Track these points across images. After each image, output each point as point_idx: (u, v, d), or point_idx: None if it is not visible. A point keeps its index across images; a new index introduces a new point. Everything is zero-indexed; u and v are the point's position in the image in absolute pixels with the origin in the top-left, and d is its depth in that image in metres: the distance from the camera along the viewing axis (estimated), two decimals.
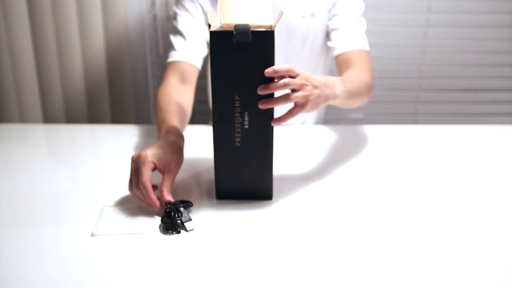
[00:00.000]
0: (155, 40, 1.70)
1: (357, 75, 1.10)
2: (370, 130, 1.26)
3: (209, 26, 0.80)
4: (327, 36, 1.27)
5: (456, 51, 1.75)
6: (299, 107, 0.84)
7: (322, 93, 0.86)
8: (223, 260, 0.70)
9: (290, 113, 0.84)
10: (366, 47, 1.23)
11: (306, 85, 0.82)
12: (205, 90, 1.52)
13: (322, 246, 0.74)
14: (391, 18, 1.69)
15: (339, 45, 1.21)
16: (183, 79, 1.14)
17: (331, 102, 0.93)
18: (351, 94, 1.00)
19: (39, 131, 1.27)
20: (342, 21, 1.22)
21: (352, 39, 1.21)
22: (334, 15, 1.23)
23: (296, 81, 0.81)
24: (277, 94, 0.81)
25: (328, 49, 1.30)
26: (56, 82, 1.66)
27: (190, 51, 1.16)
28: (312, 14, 1.21)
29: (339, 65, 1.20)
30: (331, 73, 1.76)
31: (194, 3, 1.18)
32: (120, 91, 1.67)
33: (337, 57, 1.21)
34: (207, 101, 1.53)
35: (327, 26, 1.26)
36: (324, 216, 0.83)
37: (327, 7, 1.22)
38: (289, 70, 0.80)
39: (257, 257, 0.71)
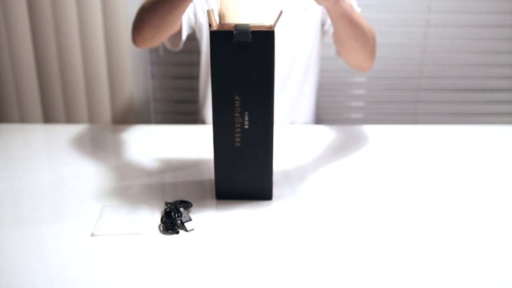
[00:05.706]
0: None
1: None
2: (370, 130, 1.26)
3: (209, 25, 0.80)
4: (322, 26, 1.28)
5: (456, 51, 1.75)
6: None
7: None
8: (223, 260, 0.70)
9: None
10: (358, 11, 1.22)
11: None
12: (197, 90, 1.52)
13: (322, 246, 0.74)
14: (391, 18, 1.70)
15: None
16: None
17: (336, 6, 0.96)
18: (352, 19, 1.03)
19: (39, 131, 1.27)
20: None
21: None
22: None
23: None
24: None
25: (319, 44, 1.31)
26: (56, 82, 1.66)
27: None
28: (305, 10, 1.23)
29: (338, 42, 1.20)
30: (324, 72, 1.76)
31: None
32: (120, 91, 1.67)
33: (334, 34, 1.20)
34: (198, 101, 1.52)
35: (321, 20, 1.27)
36: (324, 216, 0.83)
37: None
38: None
39: (257, 257, 0.71)
